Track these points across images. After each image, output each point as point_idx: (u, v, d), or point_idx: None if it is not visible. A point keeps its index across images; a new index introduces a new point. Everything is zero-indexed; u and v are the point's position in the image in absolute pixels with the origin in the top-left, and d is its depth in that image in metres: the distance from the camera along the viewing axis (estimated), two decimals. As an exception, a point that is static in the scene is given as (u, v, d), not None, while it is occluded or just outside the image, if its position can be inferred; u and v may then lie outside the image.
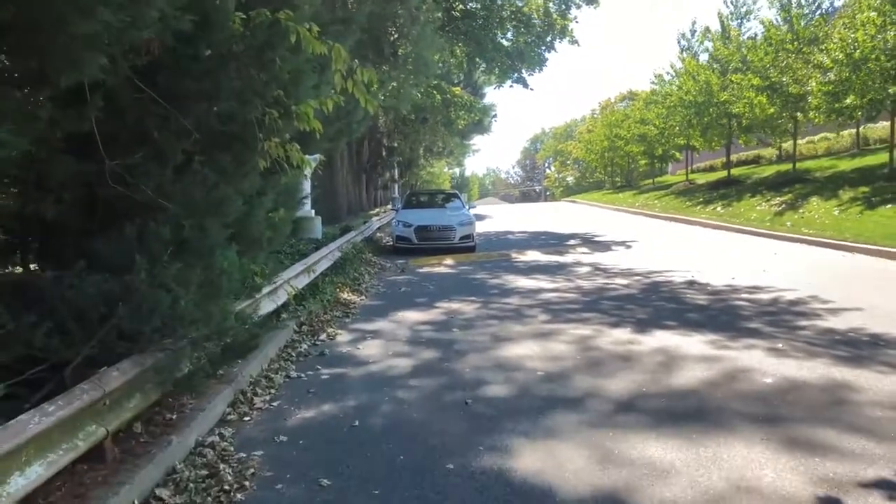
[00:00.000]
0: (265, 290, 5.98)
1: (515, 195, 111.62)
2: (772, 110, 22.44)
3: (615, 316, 8.00)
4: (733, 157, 37.29)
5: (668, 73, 31.44)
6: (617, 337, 6.90)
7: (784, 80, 19.96)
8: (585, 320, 7.78)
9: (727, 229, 18.67)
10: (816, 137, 31.87)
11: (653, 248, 15.34)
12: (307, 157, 4.84)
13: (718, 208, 22.56)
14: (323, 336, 7.20)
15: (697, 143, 31.22)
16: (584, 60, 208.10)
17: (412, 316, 8.35)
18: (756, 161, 36.58)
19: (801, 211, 17.75)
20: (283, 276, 6.86)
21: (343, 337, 7.28)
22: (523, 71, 21.85)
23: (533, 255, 14.68)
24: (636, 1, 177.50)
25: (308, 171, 4.81)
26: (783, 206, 19.00)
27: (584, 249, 15.51)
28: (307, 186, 14.71)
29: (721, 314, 7.93)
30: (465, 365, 6.02)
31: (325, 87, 5.29)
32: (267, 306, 6.01)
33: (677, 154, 40.27)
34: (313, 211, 14.49)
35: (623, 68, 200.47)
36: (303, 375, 5.83)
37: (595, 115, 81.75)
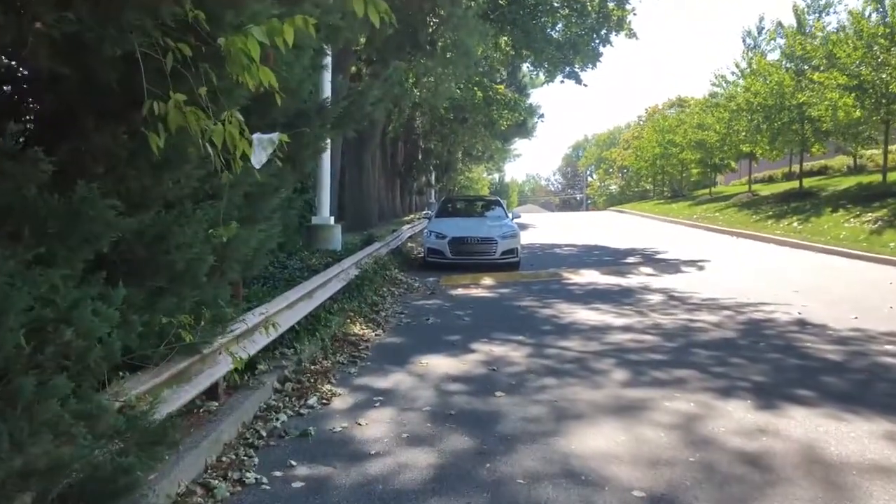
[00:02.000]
0: (205, 350, 3.90)
1: (556, 203, 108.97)
2: (858, 113, 19.76)
3: (721, 377, 5.74)
4: (794, 168, 34.38)
5: (732, 73, 28.71)
6: (737, 419, 4.66)
7: (883, 76, 17.26)
8: (681, 383, 5.54)
9: (810, 248, 16.11)
10: (894, 147, 28.82)
11: (730, 270, 12.93)
12: (260, 136, 2.77)
13: (794, 224, 19.92)
14: (313, 399, 5.11)
15: (761, 150, 28.49)
16: (631, 65, 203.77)
17: (439, 365, 6.22)
18: (822, 172, 33.56)
19: (903, 230, 15.10)
20: (247, 322, 4.79)
21: (341, 401, 5.19)
22: (576, 65, 19.60)
23: (589, 276, 12.42)
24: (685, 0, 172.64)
25: (259, 161, 2.71)
26: (879, 223, 16.33)
27: (649, 270, 13.18)
28: (325, 186, 12.73)
29: (874, 379, 5.62)
30: (516, 470, 3.86)
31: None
32: (199, 384, 3.92)
33: (732, 164, 37.41)
34: (332, 218, 12.51)
35: (672, 73, 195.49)
36: (264, 482, 3.74)
37: (642, 122, 78.90)
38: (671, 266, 13.79)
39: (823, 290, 10.15)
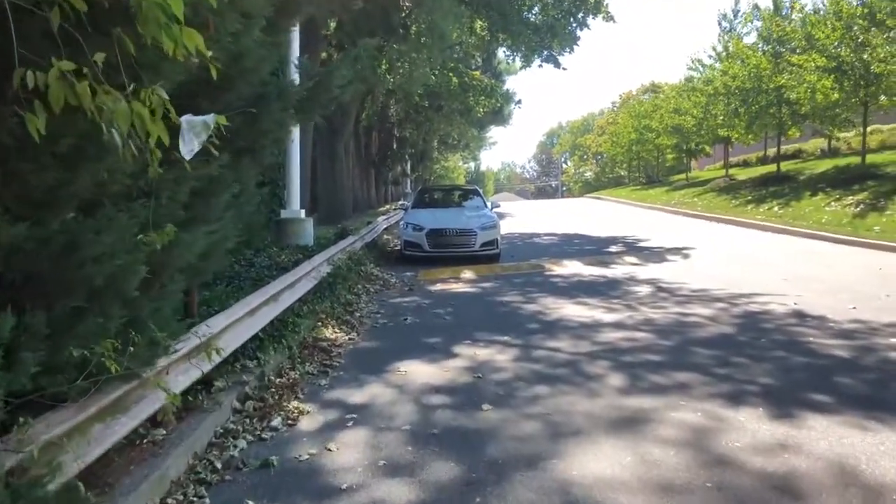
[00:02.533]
0: (146, 374, 3.29)
1: (531, 190, 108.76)
2: (836, 95, 19.53)
3: (726, 380, 5.27)
4: (769, 152, 34.29)
5: (710, 57, 28.39)
6: (752, 432, 4.19)
7: (864, 57, 16.99)
8: (683, 389, 5.07)
9: (793, 233, 15.84)
10: (870, 129, 28.78)
11: (716, 258, 12.56)
12: (190, 118, 2.18)
13: (775, 208, 19.67)
14: (277, 420, 4.53)
15: (737, 135, 28.28)
16: (605, 50, 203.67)
17: (419, 372, 5.68)
18: (797, 156, 33.47)
19: (887, 213, 14.86)
20: (197, 336, 4.17)
21: (309, 421, 4.61)
22: (554, 49, 19.03)
23: (573, 267, 11.95)
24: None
25: (190, 149, 2.12)
26: (861, 206, 16.09)
27: (634, 259, 12.75)
28: (295, 178, 12.06)
29: (888, 379, 5.21)
30: (511, 504, 3.34)
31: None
32: (140, 413, 3.31)
33: (707, 148, 37.29)
34: (303, 211, 11.87)
35: (646, 59, 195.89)
36: (215, 529, 3.18)
37: (616, 108, 78.74)
38: (655, 254, 13.38)
39: (814, 278, 9.78)
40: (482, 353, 6.27)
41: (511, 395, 5.05)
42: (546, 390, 5.13)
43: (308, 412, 4.74)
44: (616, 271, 11.32)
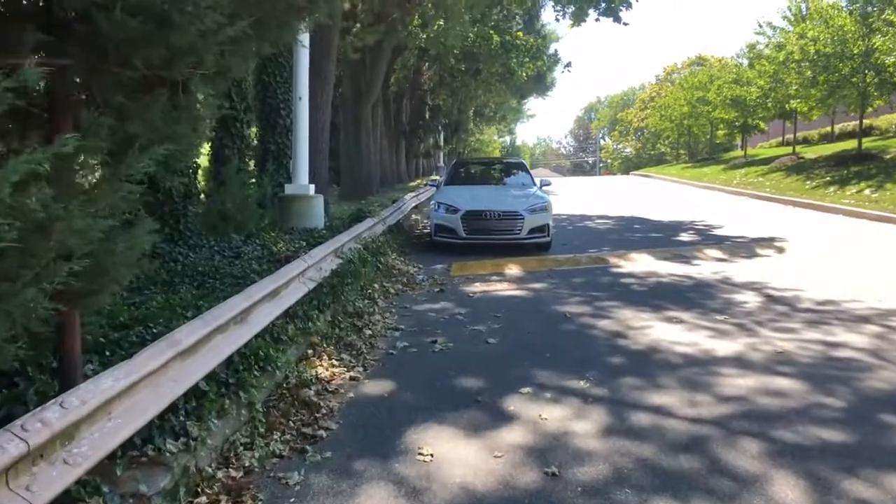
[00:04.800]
0: None
1: (567, 167, 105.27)
2: (942, 60, 16.66)
3: None
4: (837, 128, 31.08)
5: (783, 18, 25.22)
6: None
7: None
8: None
9: (899, 222, 13.21)
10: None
11: (820, 254, 10.09)
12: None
13: (866, 191, 16.94)
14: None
15: (807, 108, 25.28)
16: (645, 25, 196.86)
17: (454, 458, 3.49)
18: (867, 132, 30.25)
19: None
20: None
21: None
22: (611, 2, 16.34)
23: (643, 262, 9.61)
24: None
25: None
26: None
27: (717, 253, 10.34)
28: (303, 144, 9.86)
29: None
30: None
31: None
32: None
33: (762, 124, 34.12)
34: (312, 187, 9.71)
35: (688, 33, 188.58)
36: None
37: (660, 82, 74.89)
38: (741, 247, 10.95)
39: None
40: (551, 414, 4.05)
41: (615, 523, 2.84)
42: (674, 513, 2.92)
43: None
44: (701, 269, 8.96)
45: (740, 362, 5.03)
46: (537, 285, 8.11)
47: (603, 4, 16.14)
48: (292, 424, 3.81)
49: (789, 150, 29.70)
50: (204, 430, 3.36)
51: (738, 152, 37.67)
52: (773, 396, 4.33)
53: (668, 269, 9.04)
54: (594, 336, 5.87)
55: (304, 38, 9.79)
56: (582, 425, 3.89)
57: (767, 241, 11.37)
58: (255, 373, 4.08)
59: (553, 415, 4.04)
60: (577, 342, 5.67)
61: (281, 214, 9.41)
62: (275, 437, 3.63)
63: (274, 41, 3.75)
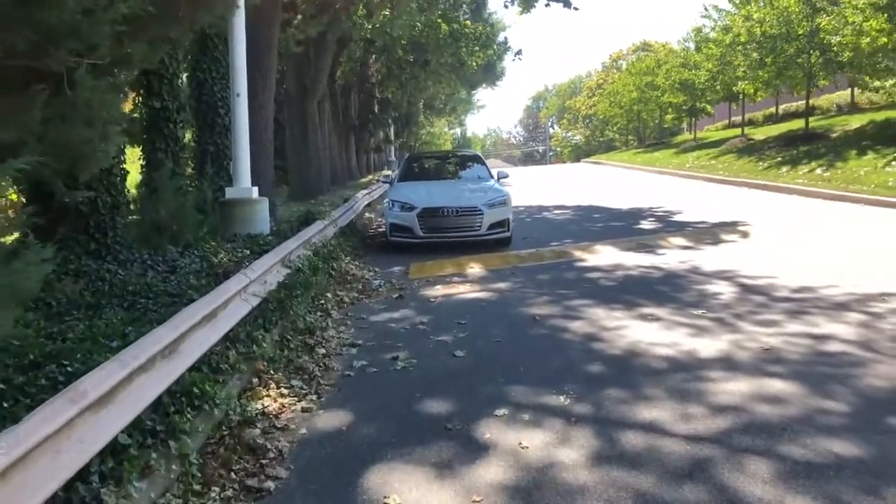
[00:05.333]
0: None
1: (518, 156, 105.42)
2: (885, 39, 16.82)
3: None
4: (779, 109, 31.56)
5: (728, 1, 25.32)
6: None
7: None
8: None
9: (853, 200, 13.27)
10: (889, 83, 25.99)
11: (783, 236, 9.94)
12: None
13: (817, 170, 17.05)
14: None
15: (753, 89, 25.50)
16: (589, 14, 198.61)
17: (426, 504, 3.00)
18: (810, 112, 30.87)
19: (974, 174, 12.29)
20: None
21: None
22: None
23: (608, 254, 9.25)
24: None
25: None
26: (933, 167, 13.52)
27: (682, 240, 10.08)
28: (243, 144, 9.16)
29: None
30: None
31: None
32: None
33: (709, 107, 34.52)
34: (255, 189, 9.05)
35: (632, 20, 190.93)
36: None
37: (606, 69, 75.44)
38: (704, 233, 10.73)
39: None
40: (531, 441, 3.58)
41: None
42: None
43: None
44: (668, 259, 8.65)
45: (728, 364, 4.66)
46: (501, 285, 7.65)
47: (552, -10, 15.79)
48: (234, 476, 3.24)
49: (737, 132, 30.03)
50: (123, 496, 2.77)
51: (688, 136, 38.09)
52: (770, 403, 3.95)
53: (634, 260, 8.70)
54: (568, 340, 5.43)
55: (241, 30, 9.11)
56: (568, 453, 3.43)
57: (730, 226, 11.18)
58: (189, 415, 3.49)
59: (534, 441, 3.57)
60: (551, 349, 5.22)
61: (223, 221, 8.72)
62: (212, 494, 3.06)
63: (189, 23, 3.16)
